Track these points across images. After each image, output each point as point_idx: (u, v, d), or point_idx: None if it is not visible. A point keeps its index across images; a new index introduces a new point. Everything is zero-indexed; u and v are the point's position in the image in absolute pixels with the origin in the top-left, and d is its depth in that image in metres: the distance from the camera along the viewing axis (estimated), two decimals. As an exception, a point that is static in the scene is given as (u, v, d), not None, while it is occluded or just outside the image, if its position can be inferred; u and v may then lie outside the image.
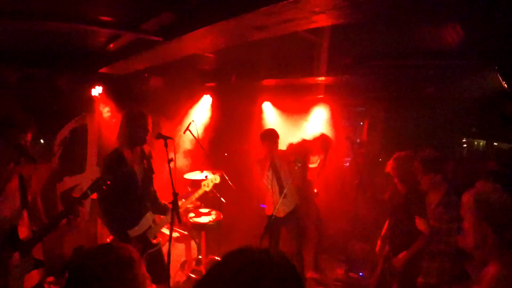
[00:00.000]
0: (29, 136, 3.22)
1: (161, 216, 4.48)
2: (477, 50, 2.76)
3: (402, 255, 4.19)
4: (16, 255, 3.00)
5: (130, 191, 4.03)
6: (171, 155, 3.82)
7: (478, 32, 2.58)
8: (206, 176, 5.02)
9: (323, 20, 3.03)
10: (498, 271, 2.20)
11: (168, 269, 4.16)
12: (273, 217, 4.64)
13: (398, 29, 3.68)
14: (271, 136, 5.45)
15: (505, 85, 2.95)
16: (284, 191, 4.72)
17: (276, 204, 4.95)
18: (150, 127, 4.09)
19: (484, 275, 2.27)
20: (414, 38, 3.77)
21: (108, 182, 3.43)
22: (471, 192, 2.45)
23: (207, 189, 4.99)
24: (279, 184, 5.36)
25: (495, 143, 5.51)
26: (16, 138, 3.04)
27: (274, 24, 3.12)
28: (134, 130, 4.00)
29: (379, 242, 4.73)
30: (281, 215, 5.41)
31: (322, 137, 6.20)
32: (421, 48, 3.95)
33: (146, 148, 4.26)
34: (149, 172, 4.27)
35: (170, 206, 3.84)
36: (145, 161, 4.21)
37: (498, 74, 2.86)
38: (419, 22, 3.09)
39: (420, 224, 4.02)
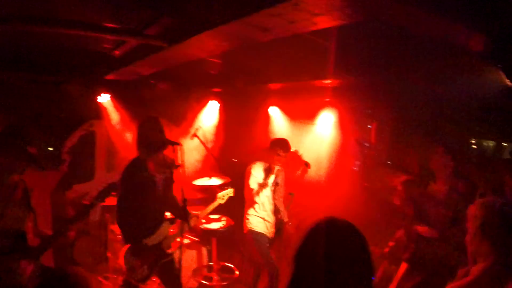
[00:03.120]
0: (33, 149, 3.22)
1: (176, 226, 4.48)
2: (481, 47, 2.73)
3: None
4: (24, 262, 3.00)
5: (148, 200, 4.01)
6: (180, 161, 3.81)
7: (483, 30, 2.55)
8: (221, 188, 5.02)
9: (324, 22, 3.01)
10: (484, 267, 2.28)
11: (180, 277, 4.17)
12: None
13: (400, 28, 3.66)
14: (284, 146, 5.17)
15: (509, 82, 2.92)
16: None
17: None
18: (164, 133, 4.01)
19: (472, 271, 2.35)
20: (413, 39, 3.75)
21: (113, 193, 3.43)
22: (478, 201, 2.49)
23: (222, 201, 4.93)
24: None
25: (504, 144, 5.42)
26: (24, 149, 3.06)
27: (277, 26, 3.12)
28: (152, 136, 3.92)
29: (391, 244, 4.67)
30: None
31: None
32: (424, 46, 3.92)
33: (169, 155, 4.16)
34: (170, 180, 4.22)
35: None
36: (167, 170, 4.16)
37: (502, 72, 2.83)
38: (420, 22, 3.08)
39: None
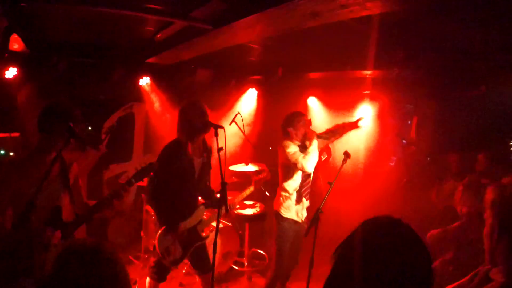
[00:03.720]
0: (73, 122, 3.24)
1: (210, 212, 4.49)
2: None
3: None
4: (58, 234, 3.02)
5: (186, 182, 4.02)
6: (221, 145, 3.79)
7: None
8: (256, 174, 4.97)
9: (376, 7, 2.93)
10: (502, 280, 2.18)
11: (209, 261, 4.18)
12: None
13: (451, 23, 3.53)
14: (299, 116, 4.68)
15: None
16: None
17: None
18: (208, 117, 3.97)
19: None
20: (466, 35, 3.62)
21: (156, 169, 3.42)
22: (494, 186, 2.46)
23: (257, 187, 4.93)
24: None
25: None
26: (68, 125, 3.08)
27: (327, 11, 3.04)
28: (195, 119, 3.91)
29: None
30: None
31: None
32: (474, 45, 3.78)
33: (207, 140, 4.21)
34: (207, 165, 4.24)
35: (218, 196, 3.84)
36: (205, 154, 4.18)
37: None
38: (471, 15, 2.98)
39: None
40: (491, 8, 2.95)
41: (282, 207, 4.56)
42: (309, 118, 4.92)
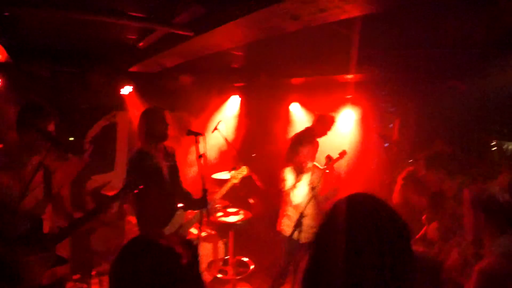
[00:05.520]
0: (52, 127, 3.19)
1: (191, 214, 4.46)
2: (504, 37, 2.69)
3: None
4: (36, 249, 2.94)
5: (158, 188, 4.02)
6: (202, 151, 3.82)
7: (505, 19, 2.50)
8: (233, 168, 4.88)
9: (355, 10, 2.98)
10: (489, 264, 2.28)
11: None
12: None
13: (425, 19, 3.61)
14: (310, 138, 4.95)
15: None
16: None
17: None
18: (169, 122, 4.11)
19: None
20: (442, 27, 3.70)
21: (141, 186, 3.42)
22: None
23: (236, 181, 4.71)
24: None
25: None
26: (44, 127, 3.03)
27: (308, 14, 3.08)
28: (154, 126, 4.01)
29: None
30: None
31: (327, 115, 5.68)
32: (449, 37, 3.87)
33: (169, 146, 4.28)
34: (174, 169, 4.27)
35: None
36: (170, 158, 4.23)
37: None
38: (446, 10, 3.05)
39: None
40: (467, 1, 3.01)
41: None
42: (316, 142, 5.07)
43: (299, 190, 4.69)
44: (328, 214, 1.36)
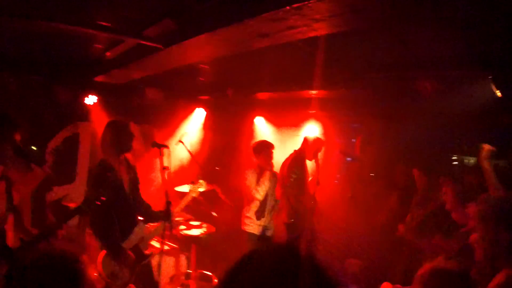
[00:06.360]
0: (18, 136, 3.14)
1: (152, 226, 4.44)
2: (473, 60, 2.84)
3: None
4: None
5: (119, 201, 3.97)
6: (166, 164, 3.82)
7: (474, 42, 2.65)
8: (192, 182, 4.96)
9: (323, 28, 3.07)
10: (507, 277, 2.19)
11: (157, 282, 4.10)
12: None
13: (395, 40, 3.75)
14: (266, 147, 5.58)
15: (499, 93, 3.01)
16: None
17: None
18: (134, 133, 4.14)
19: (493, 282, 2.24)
20: (410, 50, 3.85)
21: (103, 198, 3.38)
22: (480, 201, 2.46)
23: (195, 195, 4.88)
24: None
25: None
26: (10, 136, 2.98)
27: (276, 32, 3.16)
28: (119, 137, 4.00)
29: None
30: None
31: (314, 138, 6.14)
32: (418, 59, 4.03)
33: (130, 158, 4.27)
34: (135, 181, 4.26)
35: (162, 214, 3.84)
36: (131, 171, 4.21)
37: (492, 83, 2.92)
38: (416, 32, 3.18)
39: None
40: (434, 25, 3.15)
41: None
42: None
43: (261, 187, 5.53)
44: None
